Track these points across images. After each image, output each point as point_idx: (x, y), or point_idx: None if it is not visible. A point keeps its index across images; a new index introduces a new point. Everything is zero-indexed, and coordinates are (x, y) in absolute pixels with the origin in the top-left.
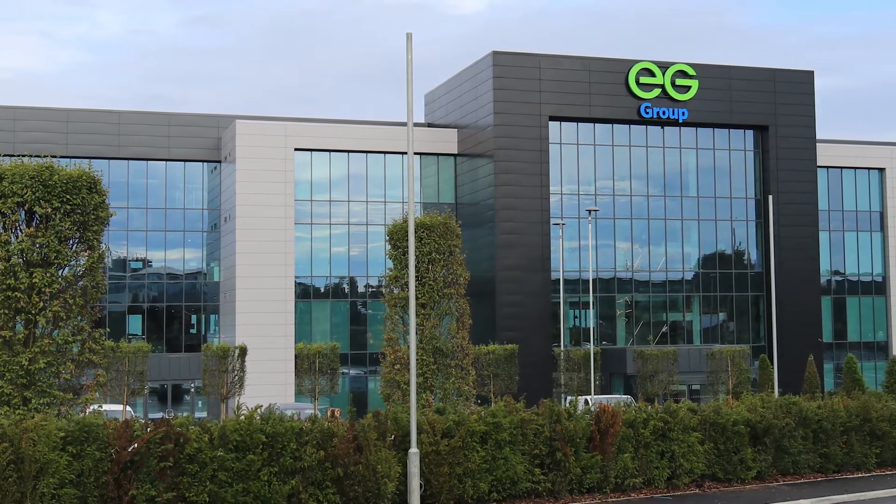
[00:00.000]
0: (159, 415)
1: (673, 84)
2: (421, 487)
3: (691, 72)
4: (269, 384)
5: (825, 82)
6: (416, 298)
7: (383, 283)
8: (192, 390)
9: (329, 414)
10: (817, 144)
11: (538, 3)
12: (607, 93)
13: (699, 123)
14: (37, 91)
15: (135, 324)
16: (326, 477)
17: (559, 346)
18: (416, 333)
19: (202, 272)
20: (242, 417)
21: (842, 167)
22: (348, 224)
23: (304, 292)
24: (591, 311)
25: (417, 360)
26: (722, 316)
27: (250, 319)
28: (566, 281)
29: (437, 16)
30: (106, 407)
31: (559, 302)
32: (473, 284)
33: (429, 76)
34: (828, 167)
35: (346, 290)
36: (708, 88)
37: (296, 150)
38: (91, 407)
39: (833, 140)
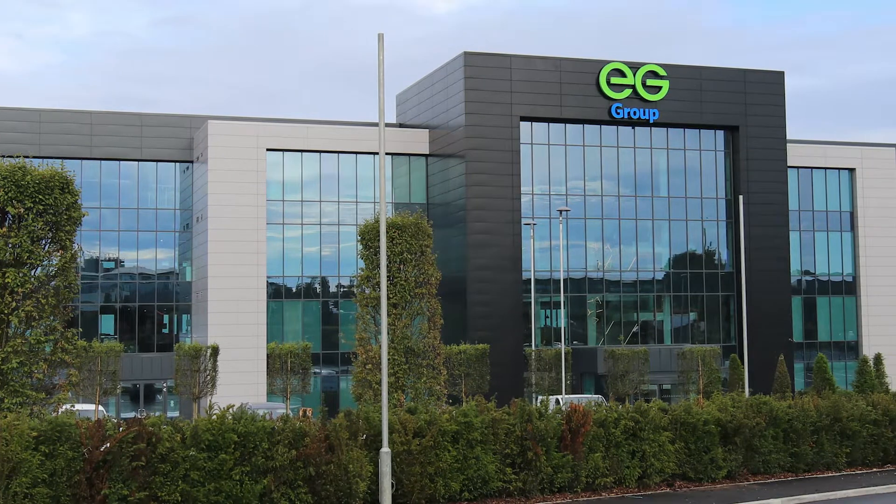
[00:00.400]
0: (132, 414)
1: (644, 84)
2: (392, 487)
3: (662, 72)
4: (241, 384)
5: (796, 83)
6: (388, 298)
7: (355, 283)
8: (165, 390)
9: (301, 413)
10: (788, 145)
11: (509, 4)
12: (578, 93)
13: (670, 124)
14: (8, 92)
15: (107, 323)
16: (298, 476)
17: (530, 345)
18: (388, 333)
19: (174, 272)
20: (214, 417)
21: (812, 167)
22: (320, 224)
23: (276, 292)
24: (562, 311)
25: (389, 359)
26: (692, 316)
27: (222, 319)
28: (537, 281)
29: (409, 17)
30: (78, 406)
31: (530, 302)
32: (445, 284)
33: (400, 77)
34: (798, 167)
35: (318, 290)
36: (679, 89)
37: (268, 150)
38: (63, 406)
39: (803, 140)
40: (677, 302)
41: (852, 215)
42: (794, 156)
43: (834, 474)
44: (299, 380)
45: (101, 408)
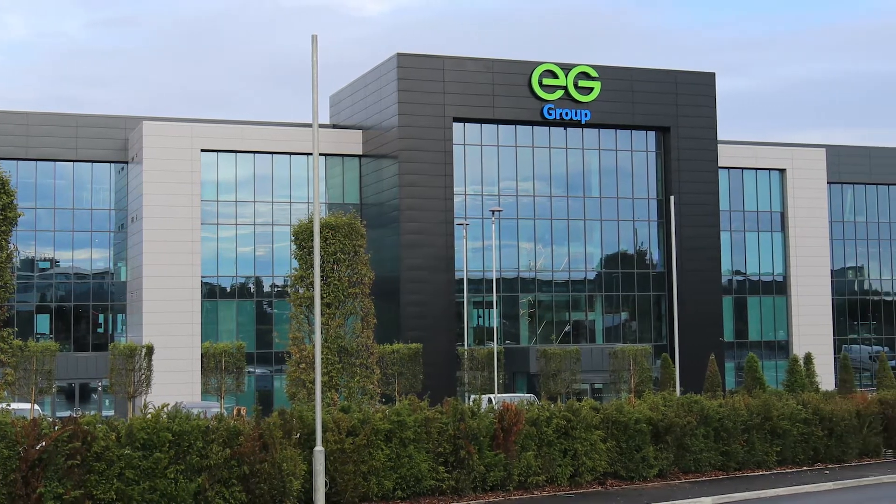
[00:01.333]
0: (67, 413)
1: (575, 86)
2: (326, 485)
3: (594, 73)
4: (176, 383)
5: (726, 84)
6: (322, 298)
7: (289, 283)
8: (100, 389)
9: (235, 412)
10: (719, 145)
11: (441, 5)
12: (510, 94)
13: (601, 125)
14: None
15: (43, 323)
16: (232, 475)
17: (463, 345)
18: (321, 333)
19: (109, 272)
20: (149, 416)
21: (743, 168)
22: (254, 224)
23: (211, 292)
24: (494, 311)
25: (322, 358)
26: (624, 315)
27: (157, 319)
28: (470, 281)
29: (342, 18)
30: (14, 405)
31: (463, 301)
32: (378, 284)
33: (334, 78)
34: (729, 168)
35: (252, 290)
36: (610, 90)
37: (202, 150)
38: None
39: (734, 141)
40: (609, 302)
41: (783, 215)
42: (725, 156)
43: (765, 473)
44: (233, 379)
45: (36, 407)
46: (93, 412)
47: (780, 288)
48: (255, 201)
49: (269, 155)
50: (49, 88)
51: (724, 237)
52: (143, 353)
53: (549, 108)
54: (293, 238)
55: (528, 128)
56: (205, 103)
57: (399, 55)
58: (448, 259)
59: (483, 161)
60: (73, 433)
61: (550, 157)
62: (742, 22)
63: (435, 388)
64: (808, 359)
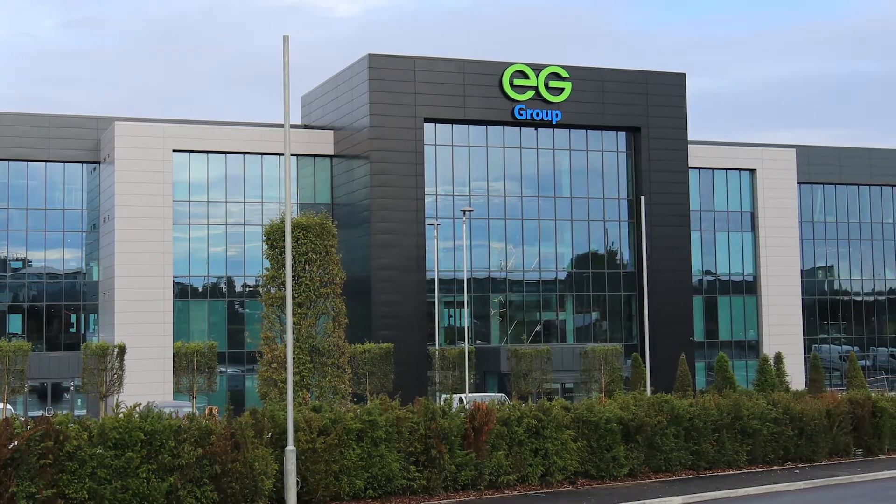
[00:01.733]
0: (39, 413)
1: (546, 86)
2: (298, 484)
3: (564, 74)
4: (148, 382)
5: (697, 84)
6: (293, 298)
7: (260, 283)
8: (72, 389)
9: (207, 412)
10: (689, 146)
11: (413, 5)
12: (481, 94)
13: (572, 125)
14: None
15: (15, 323)
16: (204, 474)
17: (434, 344)
18: (293, 332)
19: (82, 272)
20: (121, 415)
21: (713, 168)
22: (226, 224)
23: (183, 292)
24: (465, 311)
25: (294, 358)
26: (595, 315)
27: (129, 318)
28: (441, 280)
29: (313, 19)
30: None
31: (434, 301)
32: (349, 284)
33: (305, 78)
34: (699, 168)
35: (224, 290)
36: (581, 90)
37: (174, 151)
38: None
39: (705, 141)
40: (580, 301)
41: (753, 216)
42: (696, 157)
43: (735, 472)
44: (205, 378)
45: (8, 406)
46: (65, 412)
47: (750, 288)
48: (226, 201)
49: (241, 155)
50: (21, 89)
51: (695, 237)
52: (115, 353)
53: (520, 109)
54: (265, 238)
55: (499, 128)
56: (177, 104)
57: (370, 56)
58: (419, 259)
59: (454, 161)
60: (46, 432)
61: (521, 157)
62: (712, 23)
63: (406, 387)
64: (779, 358)
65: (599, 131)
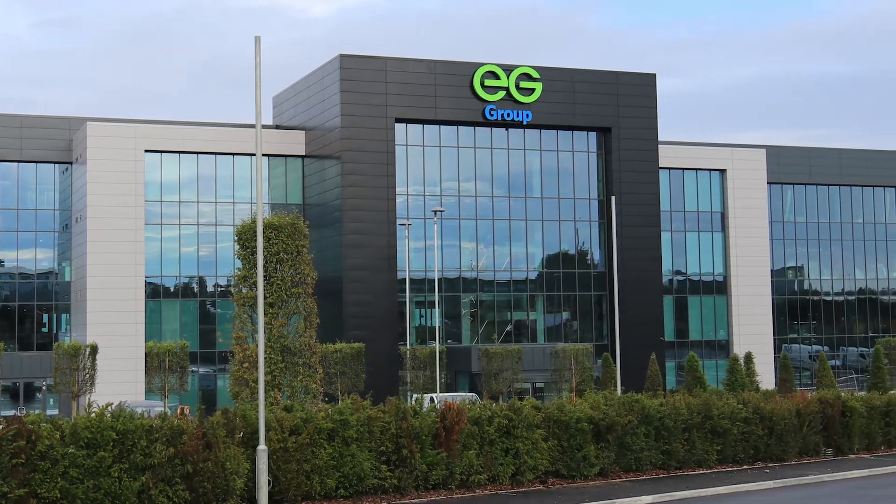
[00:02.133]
0: (11, 412)
1: (517, 86)
2: (269, 484)
3: (535, 74)
4: (120, 382)
5: (667, 85)
6: (265, 298)
7: (232, 283)
8: (44, 388)
9: (179, 412)
10: (659, 146)
11: (385, 6)
12: (452, 95)
13: (543, 125)
14: None
15: None
16: (176, 474)
17: (405, 344)
18: (265, 332)
19: (54, 272)
20: (93, 415)
21: (684, 168)
22: (198, 224)
23: (155, 292)
24: (436, 311)
25: (266, 358)
26: (565, 315)
27: (101, 318)
28: (412, 280)
29: (286, 19)
30: None
31: (405, 301)
32: (321, 284)
33: (277, 79)
34: (670, 168)
35: (196, 290)
36: (552, 91)
37: (146, 151)
38: None
39: (675, 142)
40: (550, 301)
41: (723, 216)
42: (666, 157)
43: (705, 472)
44: (177, 378)
45: None
46: (37, 411)
47: (720, 288)
48: (198, 201)
49: (213, 155)
50: None
51: (665, 237)
52: (88, 353)
53: (491, 109)
54: (236, 238)
55: (470, 128)
56: (151, 104)
57: (342, 56)
58: (390, 259)
59: (425, 161)
60: (18, 432)
61: (492, 157)
62: (682, 23)
63: (377, 387)
64: (749, 358)
65: (570, 132)
